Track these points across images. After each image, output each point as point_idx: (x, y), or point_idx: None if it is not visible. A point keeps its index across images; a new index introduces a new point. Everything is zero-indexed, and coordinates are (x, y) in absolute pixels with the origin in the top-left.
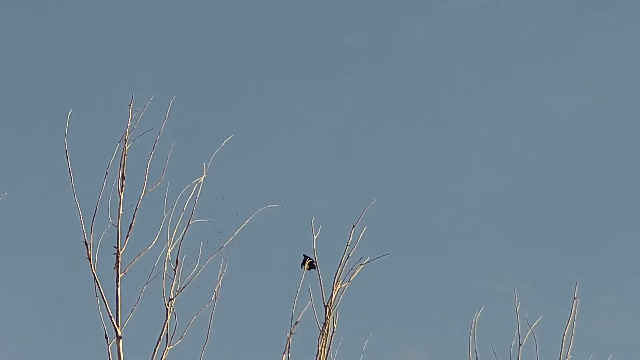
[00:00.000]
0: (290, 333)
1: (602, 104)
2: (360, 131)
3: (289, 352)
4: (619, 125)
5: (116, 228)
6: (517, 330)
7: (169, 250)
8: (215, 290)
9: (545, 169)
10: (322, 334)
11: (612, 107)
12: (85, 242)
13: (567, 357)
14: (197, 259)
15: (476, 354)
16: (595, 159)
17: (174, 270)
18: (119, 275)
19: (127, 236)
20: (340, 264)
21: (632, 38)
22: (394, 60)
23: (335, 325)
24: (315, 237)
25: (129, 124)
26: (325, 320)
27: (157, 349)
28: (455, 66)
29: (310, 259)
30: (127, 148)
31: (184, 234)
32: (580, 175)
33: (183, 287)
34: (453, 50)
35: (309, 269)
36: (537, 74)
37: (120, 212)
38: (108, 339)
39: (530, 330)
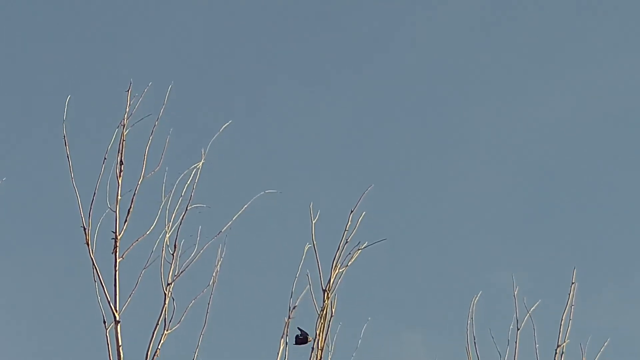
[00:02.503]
0: (289, 318)
1: (601, 102)
2: (359, 118)
3: (287, 336)
4: (618, 121)
5: (114, 213)
6: (515, 314)
7: (167, 236)
8: (214, 275)
9: (545, 161)
10: (321, 319)
11: (610, 105)
12: (84, 227)
13: (565, 342)
14: (195, 244)
15: (474, 338)
16: (595, 152)
17: (172, 255)
18: (117, 260)
19: (126, 221)
20: (339, 248)
21: (631, 37)
22: (395, 53)
23: (333, 310)
24: (313, 222)
25: (127, 110)
26: (324, 305)
27: (155, 333)
28: (457, 58)
29: (301, 336)
30: (125, 134)
31: (182, 219)
32: (580, 167)
33: (181, 272)
34: (454, 46)
35: (299, 344)
36: (537, 72)
37: (119, 198)
38: (106, 324)
39: (528, 314)
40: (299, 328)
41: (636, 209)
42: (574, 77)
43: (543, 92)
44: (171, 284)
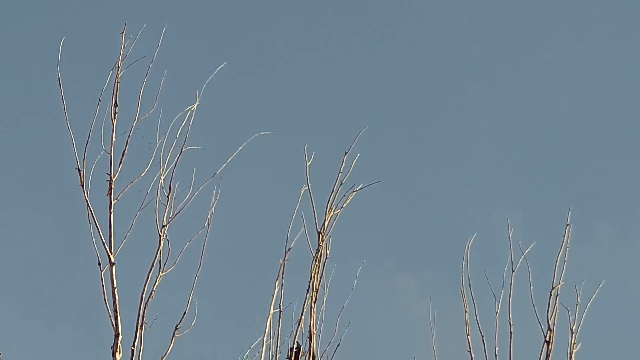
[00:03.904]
0: (284, 259)
1: (593, 51)
2: (353, 59)
3: (282, 278)
4: (611, 63)
5: (109, 155)
6: (510, 256)
7: (162, 178)
8: (208, 217)
9: (540, 102)
10: (315, 261)
11: (603, 52)
12: (78, 169)
13: (559, 283)
14: (190, 186)
15: (469, 280)
16: (588, 93)
17: (167, 197)
18: (112, 202)
19: (120, 163)
20: (333, 190)
21: None
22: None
23: (328, 252)
24: (308, 164)
25: (121, 52)
26: (318, 247)
27: (150, 275)
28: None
29: (296, 347)
30: (119, 75)
31: (177, 161)
32: (573, 108)
33: (176, 214)
34: None
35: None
36: (538, 20)
37: (113, 140)
38: (101, 266)
39: (523, 256)
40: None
41: (630, 148)
42: (573, 26)
43: (540, 40)
44: (166, 226)
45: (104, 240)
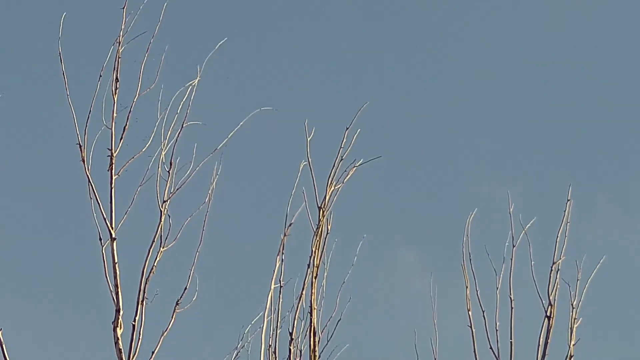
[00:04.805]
0: (284, 235)
1: (592, 18)
2: (354, 35)
3: (283, 253)
4: (609, 36)
5: (110, 130)
6: (510, 231)
7: (163, 153)
8: (209, 192)
9: (539, 75)
10: (316, 236)
11: (601, 20)
12: (79, 144)
13: (560, 259)
14: (191, 162)
15: (469, 255)
16: (587, 66)
17: (168, 172)
18: (113, 177)
19: (121, 138)
20: (334, 166)
21: None
22: None
23: (329, 227)
24: (308, 140)
25: (122, 27)
26: (319, 222)
27: (151, 250)
28: None
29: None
30: (121, 51)
31: (178, 136)
32: (573, 81)
33: (177, 189)
34: None
35: None
36: None
37: (114, 115)
38: (102, 241)
39: (523, 231)
40: None
41: (630, 123)
42: None
43: (538, 8)
44: (167, 201)
45: (104, 216)
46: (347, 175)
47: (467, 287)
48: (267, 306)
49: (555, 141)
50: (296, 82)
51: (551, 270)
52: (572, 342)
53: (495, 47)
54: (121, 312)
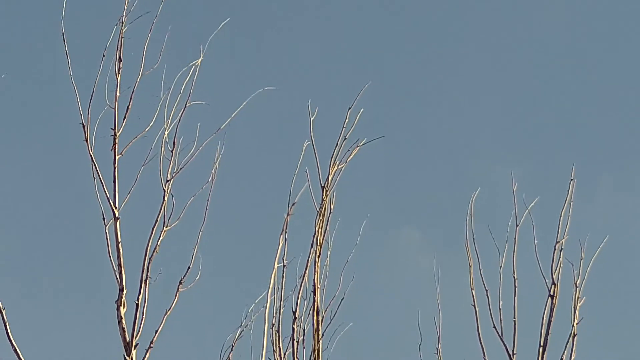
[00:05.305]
0: (288, 214)
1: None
2: (357, 14)
3: (286, 233)
4: (612, 16)
5: (113, 110)
6: (514, 211)
7: (166, 132)
8: (213, 172)
9: (542, 56)
10: (319, 215)
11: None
12: (83, 124)
13: (563, 238)
14: (194, 141)
15: (473, 235)
16: (591, 47)
17: (171, 152)
18: (116, 157)
19: (125, 118)
20: (337, 145)
21: None
22: None
23: (332, 207)
24: (311, 119)
25: (125, 7)
26: (322, 202)
27: (154, 229)
28: None
29: None
30: (124, 31)
31: (181, 116)
32: (576, 61)
33: (180, 169)
34: None
35: None
36: None
37: (118, 95)
38: (105, 220)
39: (527, 211)
40: None
41: (632, 102)
42: None
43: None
44: (170, 180)
45: (108, 195)
46: (350, 155)
47: (470, 267)
48: (271, 285)
49: (559, 121)
50: (299, 62)
51: (554, 249)
52: (576, 321)
53: (497, 25)
54: (125, 292)
